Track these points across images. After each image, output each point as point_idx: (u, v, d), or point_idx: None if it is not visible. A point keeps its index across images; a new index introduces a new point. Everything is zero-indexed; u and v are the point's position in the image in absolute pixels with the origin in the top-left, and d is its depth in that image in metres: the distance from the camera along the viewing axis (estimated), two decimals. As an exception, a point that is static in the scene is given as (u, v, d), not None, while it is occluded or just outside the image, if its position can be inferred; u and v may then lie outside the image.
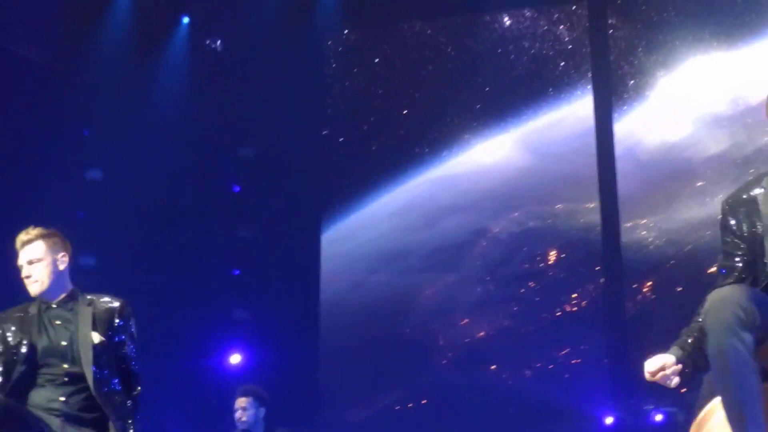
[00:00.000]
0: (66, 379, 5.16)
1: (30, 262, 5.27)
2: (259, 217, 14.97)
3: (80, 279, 13.55)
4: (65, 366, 5.19)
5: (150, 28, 14.91)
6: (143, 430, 13.21)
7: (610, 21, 14.48)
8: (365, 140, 15.66)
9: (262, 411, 8.61)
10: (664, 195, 14.00)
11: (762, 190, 4.09)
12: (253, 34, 14.71)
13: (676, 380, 3.92)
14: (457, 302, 14.89)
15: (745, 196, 4.10)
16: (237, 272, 14.99)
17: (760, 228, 3.96)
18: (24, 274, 5.29)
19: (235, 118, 14.95)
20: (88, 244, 13.72)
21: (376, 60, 15.89)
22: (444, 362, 14.75)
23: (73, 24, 14.73)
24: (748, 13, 13.21)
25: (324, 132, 15.70)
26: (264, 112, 14.67)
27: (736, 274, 3.99)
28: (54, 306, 5.32)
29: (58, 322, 5.26)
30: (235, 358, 14.39)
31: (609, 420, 12.69)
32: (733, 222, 4.05)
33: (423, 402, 14.52)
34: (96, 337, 5.23)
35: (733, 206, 4.09)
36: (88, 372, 5.12)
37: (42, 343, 5.20)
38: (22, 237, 5.33)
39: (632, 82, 14.23)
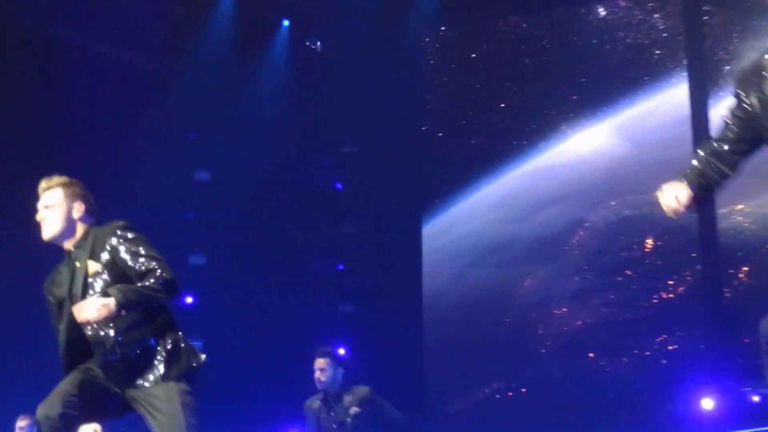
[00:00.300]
0: None
1: (46, 207, 5.26)
2: (361, 213, 15.42)
3: (190, 278, 14.28)
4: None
5: (252, 31, 15.47)
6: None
7: (704, 8, 14.56)
8: (464, 134, 16.01)
9: (341, 371, 8.76)
10: (759, 180, 13.63)
11: None
12: (352, 34, 15.15)
13: (686, 194, 4.29)
14: (556, 292, 15.25)
15: (754, 66, 4.21)
16: (341, 267, 15.51)
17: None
18: (38, 217, 5.30)
19: (336, 117, 15.38)
20: (198, 243, 14.70)
21: (473, 55, 16.17)
22: (543, 351, 15.04)
23: (178, 30, 15.41)
24: None
25: (423, 128, 16.10)
26: (364, 110, 15.14)
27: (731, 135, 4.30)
28: (73, 249, 5.26)
29: (77, 265, 5.21)
30: (341, 352, 14.44)
31: (707, 403, 12.74)
32: (743, 94, 4.16)
33: (523, 390, 14.89)
34: (92, 266, 5.14)
35: (743, 79, 4.23)
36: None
37: (68, 292, 5.19)
38: (43, 183, 5.33)
39: (727, 68, 14.25)
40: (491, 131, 15.67)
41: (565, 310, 15.26)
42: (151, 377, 5.03)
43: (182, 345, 5.23)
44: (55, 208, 5.21)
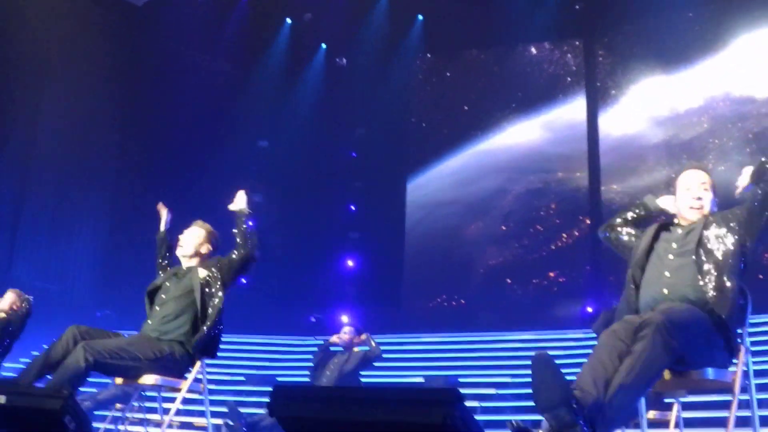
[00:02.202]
0: None
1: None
2: (367, 174, 19.36)
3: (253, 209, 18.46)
4: None
5: (299, 51, 19.81)
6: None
7: (599, 52, 18.85)
8: (439, 126, 19.81)
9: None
10: (628, 168, 17.59)
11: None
12: (367, 54, 19.21)
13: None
14: (488, 236, 18.47)
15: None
16: (352, 207, 19.61)
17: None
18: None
19: (353, 109, 19.30)
20: (260, 186, 17.80)
21: (448, 74, 20.27)
22: (480, 273, 18.26)
23: (247, 44, 19.24)
24: (686, 52, 17.10)
25: (412, 119, 20.16)
26: (372, 105, 19.01)
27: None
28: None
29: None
30: (350, 263, 19.11)
31: (589, 309, 15.78)
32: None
33: (462, 302, 18.21)
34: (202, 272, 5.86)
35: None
36: None
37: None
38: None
39: (613, 92, 18.36)
40: (457, 124, 19.45)
41: (493, 249, 18.53)
42: None
43: None
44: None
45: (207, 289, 5.66)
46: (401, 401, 2.26)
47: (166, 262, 6.15)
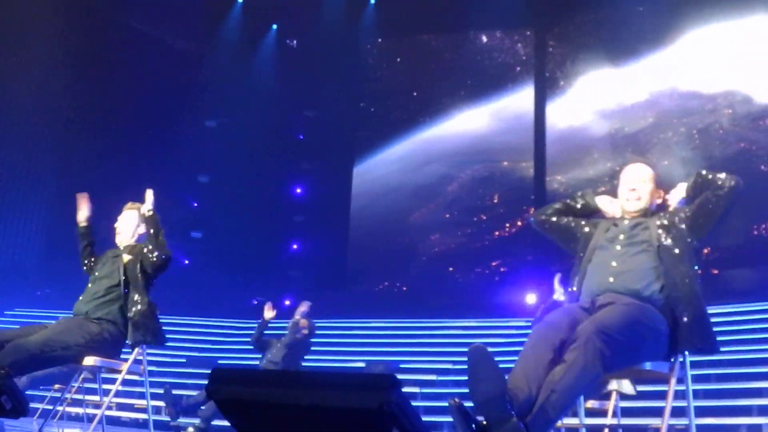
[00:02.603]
0: None
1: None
2: (315, 156, 19.49)
3: (198, 190, 18.46)
4: None
5: (251, 30, 19.76)
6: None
7: (550, 42, 18.97)
8: (388, 111, 19.87)
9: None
10: (571, 160, 17.78)
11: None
12: (318, 37, 19.20)
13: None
14: (432, 223, 18.62)
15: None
16: (299, 190, 19.74)
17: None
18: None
19: (303, 92, 19.27)
20: (209, 167, 18.67)
21: (398, 59, 20.35)
22: (423, 260, 18.41)
23: (200, 21, 19.22)
24: (636, 46, 17.21)
25: (362, 104, 20.27)
26: (322, 89, 19.00)
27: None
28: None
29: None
30: (294, 247, 19.42)
31: (530, 299, 15.36)
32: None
33: (404, 289, 18.39)
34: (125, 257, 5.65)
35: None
36: None
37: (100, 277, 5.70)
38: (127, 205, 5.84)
39: (561, 83, 18.53)
40: (406, 110, 19.51)
41: (437, 236, 18.68)
42: None
43: None
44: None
45: (131, 274, 5.57)
46: (338, 385, 2.28)
47: (93, 259, 5.90)
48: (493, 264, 18.07)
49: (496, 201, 18.56)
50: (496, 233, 18.33)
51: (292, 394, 2.39)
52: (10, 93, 17.17)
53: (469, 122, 19.04)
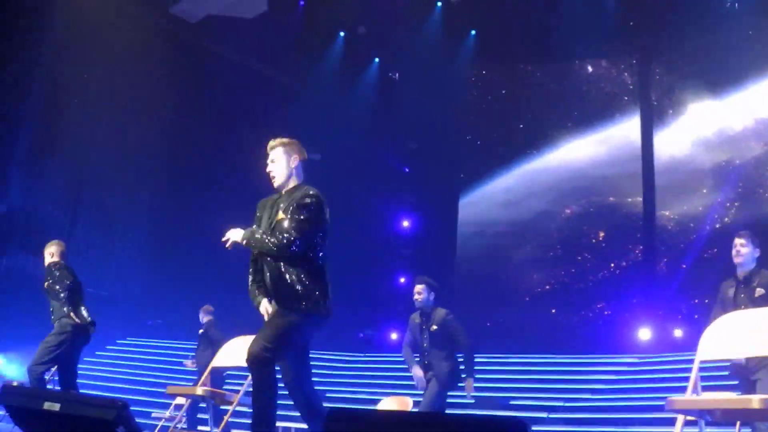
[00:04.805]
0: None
1: (271, 161, 5.44)
2: (420, 188, 19.28)
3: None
4: None
5: (353, 64, 19.70)
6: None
7: (656, 71, 18.40)
8: (495, 144, 19.65)
9: (432, 295, 8.60)
10: (681, 195, 17.21)
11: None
12: (420, 70, 19.03)
13: None
14: (535, 261, 18.23)
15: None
16: (405, 224, 19.47)
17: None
18: (267, 170, 5.48)
19: (405, 123, 19.20)
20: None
21: (503, 91, 20.09)
22: (526, 299, 17.99)
23: (301, 56, 19.31)
24: (739, 72, 16.71)
25: (468, 137, 20.03)
26: (425, 121, 18.90)
27: None
28: (283, 194, 5.34)
29: (281, 205, 5.26)
30: (402, 280, 18.79)
31: (644, 335, 15.28)
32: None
33: (502, 323, 17.54)
34: (280, 215, 5.19)
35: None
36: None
37: (263, 224, 5.36)
38: (269, 143, 5.55)
39: (670, 111, 17.97)
40: (511, 142, 19.30)
41: (539, 275, 18.29)
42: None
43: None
44: (277, 162, 5.44)
45: None
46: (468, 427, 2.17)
47: None
48: (598, 306, 17.50)
49: (601, 239, 18.08)
50: (601, 274, 17.84)
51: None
52: (117, 122, 17.55)
53: (575, 153, 18.72)
